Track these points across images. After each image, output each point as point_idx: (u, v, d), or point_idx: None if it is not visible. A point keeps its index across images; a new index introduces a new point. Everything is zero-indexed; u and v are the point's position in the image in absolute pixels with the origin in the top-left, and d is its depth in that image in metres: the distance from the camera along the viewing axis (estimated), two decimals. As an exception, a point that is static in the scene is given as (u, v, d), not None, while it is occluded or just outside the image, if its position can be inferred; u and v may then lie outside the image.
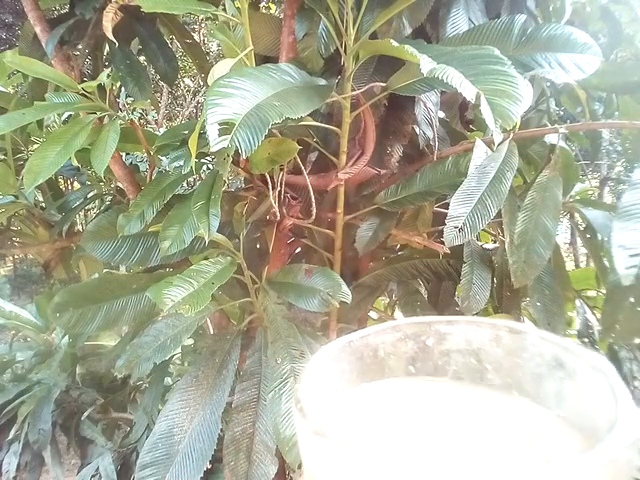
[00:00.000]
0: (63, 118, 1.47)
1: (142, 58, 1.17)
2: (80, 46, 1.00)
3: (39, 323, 1.69)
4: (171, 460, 0.75)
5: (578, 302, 1.07)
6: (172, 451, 0.75)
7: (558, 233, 0.75)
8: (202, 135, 0.63)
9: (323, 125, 0.77)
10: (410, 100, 0.82)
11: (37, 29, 0.93)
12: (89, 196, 1.27)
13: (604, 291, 0.94)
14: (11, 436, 1.45)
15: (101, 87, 0.84)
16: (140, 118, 4.44)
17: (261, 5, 1.33)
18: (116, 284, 0.90)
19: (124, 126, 0.87)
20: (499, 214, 0.68)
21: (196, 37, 4.47)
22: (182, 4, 0.66)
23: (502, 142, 0.68)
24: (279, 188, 0.82)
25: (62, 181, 1.89)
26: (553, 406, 0.18)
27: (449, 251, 0.80)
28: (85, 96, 0.84)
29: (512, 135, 0.70)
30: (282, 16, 0.83)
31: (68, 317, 0.88)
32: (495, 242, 1.01)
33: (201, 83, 4.59)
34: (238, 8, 0.71)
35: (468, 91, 0.49)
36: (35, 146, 1.26)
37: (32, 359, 1.67)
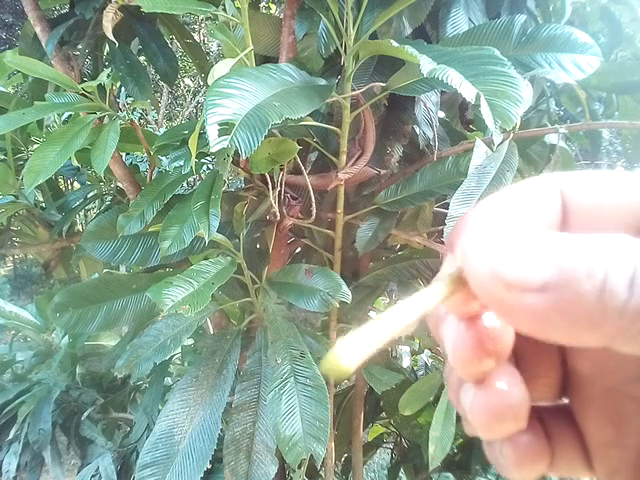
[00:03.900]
0: (63, 118, 1.47)
1: (142, 58, 1.17)
2: (80, 46, 1.00)
3: (39, 323, 1.69)
4: (171, 460, 0.75)
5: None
6: (172, 451, 0.75)
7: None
8: (202, 135, 0.63)
9: (323, 125, 0.77)
10: (410, 100, 0.82)
11: (37, 29, 0.93)
12: (89, 196, 1.26)
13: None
14: (11, 436, 1.45)
15: (101, 87, 0.83)
16: (140, 118, 4.44)
17: (261, 5, 1.33)
18: (116, 284, 0.90)
19: (124, 126, 0.87)
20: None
21: (196, 37, 4.47)
22: (182, 4, 0.66)
23: (502, 142, 0.68)
24: (279, 188, 0.82)
25: (62, 181, 1.89)
26: None
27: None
28: (85, 96, 0.84)
29: (512, 135, 0.70)
30: (282, 16, 0.83)
31: (68, 317, 0.88)
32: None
33: (201, 83, 4.59)
34: (238, 8, 0.71)
35: (468, 92, 0.49)
36: (35, 146, 1.26)
37: (32, 359, 1.67)
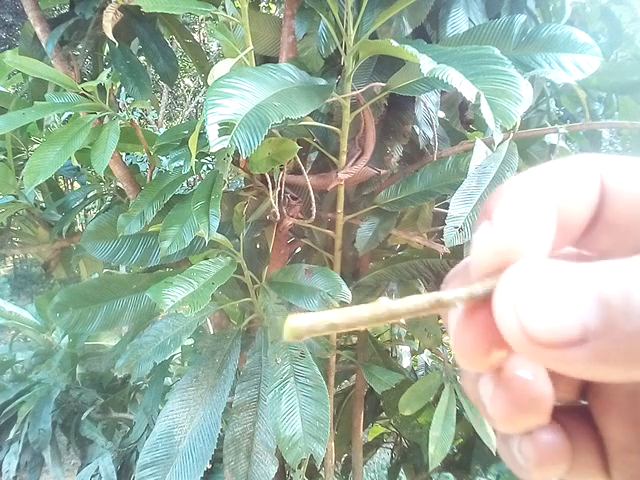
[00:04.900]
0: (63, 118, 1.47)
1: (142, 58, 1.17)
2: (80, 46, 1.00)
3: (39, 323, 1.69)
4: (171, 460, 0.75)
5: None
6: (172, 451, 0.75)
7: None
8: (202, 135, 0.63)
9: (323, 125, 0.77)
10: (410, 100, 0.82)
11: (37, 29, 0.93)
12: (89, 196, 1.26)
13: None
14: (11, 436, 1.45)
15: (101, 87, 0.83)
16: (140, 118, 4.44)
17: (261, 5, 1.33)
18: (116, 284, 0.90)
19: (124, 126, 0.87)
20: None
21: (196, 37, 4.47)
22: (182, 4, 0.66)
23: (502, 142, 0.68)
24: (279, 188, 0.82)
25: (62, 181, 1.89)
26: None
27: (449, 251, 0.80)
28: (85, 96, 0.84)
29: (512, 135, 0.70)
30: (282, 16, 0.84)
31: (68, 317, 0.88)
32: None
33: (201, 83, 4.59)
34: (238, 8, 0.71)
35: (468, 91, 0.49)
36: (35, 146, 1.26)
37: (32, 359, 1.67)
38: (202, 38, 4.62)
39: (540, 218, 0.14)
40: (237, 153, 0.52)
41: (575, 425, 0.17)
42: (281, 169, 0.81)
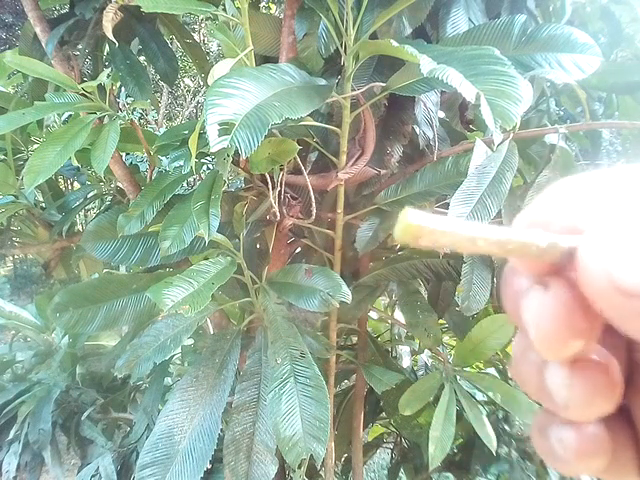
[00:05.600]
0: (63, 118, 1.47)
1: (142, 58, 1.17)
2: (80, 46, 1.01)
3: (39, 323, 1.69)
4: (171, 460, 0.75)
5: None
6: (172, 451, 0.75)
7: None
8: (202, 135, 0.63)
9: (323, 125, 0.77)
10: (410, 100, 0.82)
11: (37, 29, 0.93)
12: (89, 196, 1.26)
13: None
14: (11, 436, 1.45)
15: (101, 87, 0.84)
16: (140, 118, 4.44)
17: (261, 5, 1.33)
18: (116, 284, 0.90)
19: (124, 126, 0.87)
20: (499, 214, 0.68)
21: (196, 37, 4.47)
22: (182, 4, 0.66)
23: (502, 142, 0.68)
24: (279, 188, 0.82)
25: (62, 181, 1.89)
26: None
27: (449, 251, 0.80)
28: (85, 96, 0.84)
29: (512, 135, 0.70)
30: (282, 16, 0.84)
31: (68, 317, 0.88)
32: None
33: (201, 83, 4.59)
34: (238, 8, 0.71)
35: (468, 91, 0.49)
36: (35, 146, 1.26)
37: (32, 359, 1.67)
38: (202, 38, 4.62)
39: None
40: (237, 153, 0.52)
41: (615, 422, 0.16)
42: (281, 169, 0.81)
